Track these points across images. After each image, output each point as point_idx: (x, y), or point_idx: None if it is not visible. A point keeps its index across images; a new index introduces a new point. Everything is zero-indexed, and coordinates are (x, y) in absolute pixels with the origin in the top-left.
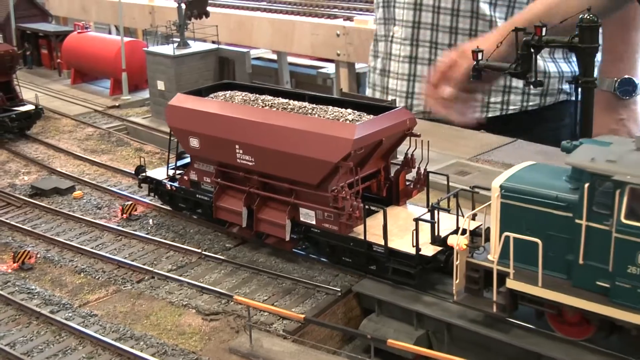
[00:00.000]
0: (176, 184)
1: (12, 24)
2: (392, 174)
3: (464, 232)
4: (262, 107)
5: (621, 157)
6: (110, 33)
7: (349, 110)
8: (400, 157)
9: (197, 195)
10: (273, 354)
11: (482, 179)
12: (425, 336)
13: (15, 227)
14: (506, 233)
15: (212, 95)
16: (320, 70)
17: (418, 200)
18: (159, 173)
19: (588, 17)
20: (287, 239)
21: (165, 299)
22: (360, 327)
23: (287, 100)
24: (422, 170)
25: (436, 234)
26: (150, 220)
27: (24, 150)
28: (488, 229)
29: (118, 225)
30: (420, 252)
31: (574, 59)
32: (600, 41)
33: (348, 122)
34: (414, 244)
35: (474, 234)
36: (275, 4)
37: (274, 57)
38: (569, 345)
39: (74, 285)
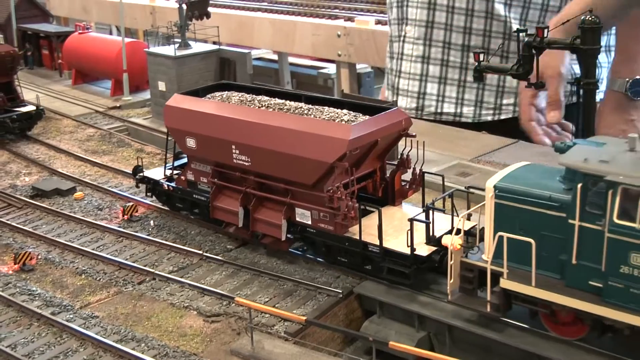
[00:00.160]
0: (173, 184)
1: (13, 25)
2: (387, 175)
3: (458, 232)
4: (259, 107)
5: (614, 158)
6: (111, 34)
7: (345, 111)
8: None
9: (194, 195)
10: (274, 356)
11: (483, 180)
12: (427, 338)
13: (16, 228)
14: (500, 233)
15: (209, 96)
16: (321, 70)
17: (413, 201)
18: (156, 173)
19: (590, 18)
20: (283, 238)
21: (167, 300)
22: (362, 329)
23: (283, 101)
24: (417, 171)
25: (431, 234)
26: (152, 222)
27: (24, 151)
28: (482, 229)
29: (119, 227)
30: (415, 252)
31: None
32: (613, 41)
33: (343, 122)
34: (409, 244)
35: (469, 234)
36: (276, 5)
37: (275, 57)
38: (569, 345)
39: (75, 287)
